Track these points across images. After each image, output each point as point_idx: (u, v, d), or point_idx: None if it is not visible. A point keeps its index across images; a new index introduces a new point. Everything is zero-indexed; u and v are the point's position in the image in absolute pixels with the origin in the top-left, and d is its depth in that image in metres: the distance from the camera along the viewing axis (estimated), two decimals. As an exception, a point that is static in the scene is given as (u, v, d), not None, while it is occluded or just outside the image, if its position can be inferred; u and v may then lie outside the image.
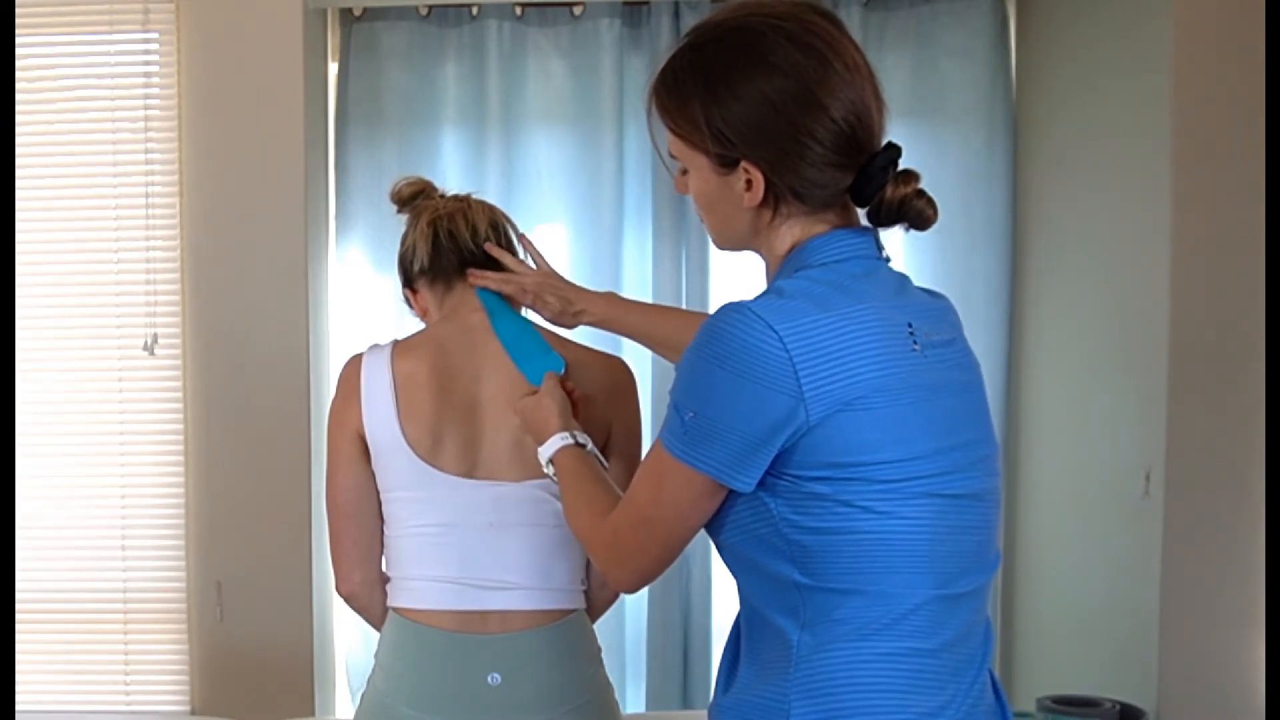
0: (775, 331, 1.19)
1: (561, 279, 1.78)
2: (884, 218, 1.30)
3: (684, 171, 1.35)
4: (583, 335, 1.83)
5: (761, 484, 1.23)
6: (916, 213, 1.29)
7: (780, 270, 1.31)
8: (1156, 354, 2.56)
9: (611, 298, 1.82)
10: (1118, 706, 2.59)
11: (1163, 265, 2.55)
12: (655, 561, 1.35)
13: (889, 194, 1.28)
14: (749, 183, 1.28)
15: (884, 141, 1.30)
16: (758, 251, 1.36)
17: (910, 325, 1.26)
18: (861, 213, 1.33)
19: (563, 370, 1.67)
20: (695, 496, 1.26)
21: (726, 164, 1.28)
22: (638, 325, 1.77)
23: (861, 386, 1.20)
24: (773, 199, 1.29)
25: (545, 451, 1.55)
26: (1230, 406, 2.53)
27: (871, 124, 1.28)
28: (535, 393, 1.62)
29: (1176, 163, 2.52)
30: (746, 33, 1.27)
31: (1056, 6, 3.00)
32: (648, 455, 1.32)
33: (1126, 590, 2.69)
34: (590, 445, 1.55)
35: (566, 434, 1.54)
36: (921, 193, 1.29)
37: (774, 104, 1.25)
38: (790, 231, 1.31)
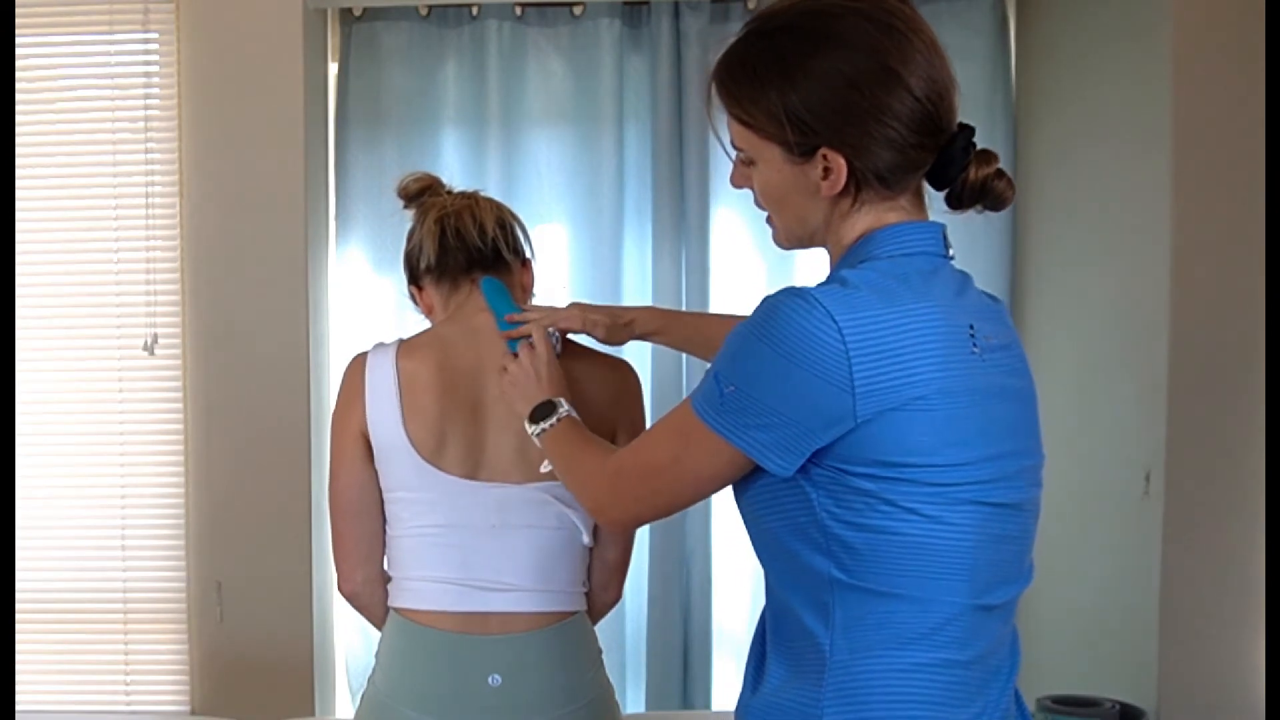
0: (835, 322, 1.16)
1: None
2: (965, 200, 1.27)
3: (748, 163, 1.31)
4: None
5: (803, 472, 1.21)
6: (997, 194, 1.27)
7: (844, 259, 1.28)
8: (1156, 354, 2.56)
9: (653, 309, 1.82)
10: (1118, 706, 2.58)
11: (1163, 265, 2.54)
12: (655, 511, 1.35)
13: (971, 175, 1.26)
14: (826, 170, 1.24)
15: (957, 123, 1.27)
16: (823, 244, 1.33)
17: (971, 327, 1.23)
18: (936, 195, 1.30)
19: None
20: (721, 466, 1.25)
21: (803, 152, 1.25)
22: (686, 332, 1.75)
23: (921, 387, 1.17)
24: (854, 186, 1.25)
25: (539, 424, 1.55)
26: (1230, 406, 2.53)
27: (952, 103, 1.26)
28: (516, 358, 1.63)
29: (1177, 162, 2.52)
30: (820, 15, 1.24)
31: (1056, 6, 2.99)
32: (672, 412, 1.30)
33: (1126, 590, 2.69)
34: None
35: (561, 404, 1.55)
36: (1001, 173, 1.27)
37: (855, 83, 1.21)
38: (863, 219, 1.27)
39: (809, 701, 1.24)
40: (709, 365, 1.27)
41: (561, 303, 1.78)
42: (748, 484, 1.28)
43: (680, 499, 1.32)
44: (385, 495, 1.69)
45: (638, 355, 2.23)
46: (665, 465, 1.29)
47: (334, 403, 1.73)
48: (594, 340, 1.75)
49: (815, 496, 1.22)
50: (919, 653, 1.22)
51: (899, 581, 1.21)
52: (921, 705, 1.22)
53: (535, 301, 1.82)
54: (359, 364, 1.69)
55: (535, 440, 1.56)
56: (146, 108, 2.94)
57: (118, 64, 2.96)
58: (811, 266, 2.79)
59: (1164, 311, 2.54)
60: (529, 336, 1.66)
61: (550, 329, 1.68)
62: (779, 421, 1.19)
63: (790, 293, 1.20)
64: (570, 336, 1.74)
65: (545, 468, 1.61)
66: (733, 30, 1.32)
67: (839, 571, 1.22)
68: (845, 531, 1.21)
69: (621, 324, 1.74)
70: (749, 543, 1.34)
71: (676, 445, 1.28)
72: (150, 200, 2.94)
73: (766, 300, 1.22)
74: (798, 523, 1.24)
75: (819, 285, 1.22)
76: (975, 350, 1.22)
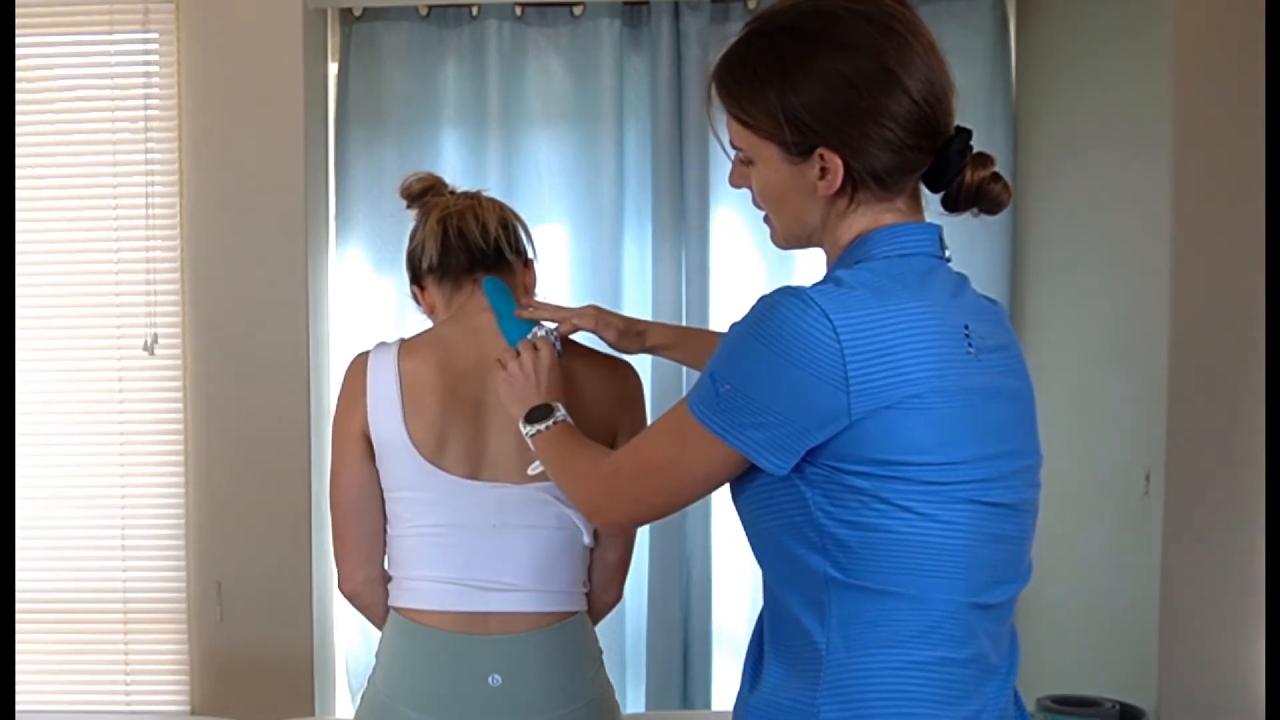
0: (830, 321, 1.17)
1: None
2: (961, 203, 1.28)
3: (746, 163, 1.32)
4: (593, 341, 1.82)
5: (799, 471, 1.21)
6: (993, 197, 1.27)
7: (840, 260, 1.29)
8: (1156, 354, 2.56)
9: (666, 324, 1.83)
10: (1118, 706, 2.59)
11: (1163, 265, 2.55)
12: (652, 512, 1.36)
13: (968, 178, 1.26)
14: (823, 170, 1.25)
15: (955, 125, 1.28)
16: (820, 244, 1.33)
17: (967, 327, 1.24)
18: (933, 197, 1.31)
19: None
20: (716, 465, 1.25)
21: (801, 152, 1.25)
22: (699, 349, 1.74)
23: (915, 385, 1.18)
24: (850, 186, 1.26)
25: (535, 425, 1.55)
26: (1230, 406, 2.53)
27: (949, 106, 1.26)
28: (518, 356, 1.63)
29: (1177, 163, 2.52)
30: (821, 15, 1.24)
31: (1056, 6, 3.00)
32: (668, 413, 1.30)
33: (1126, 590, 2.69)
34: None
35: (558, 408, 1.55)
36: (997, 176, 1.27)
37: (854, 84, 1.22)
38: (860, 220, 1.28)
39: (806, 700, 1.24)
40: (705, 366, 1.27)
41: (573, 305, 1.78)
42: (744, 484, 1.28)
43: (677, 499, 1.33)
44: (386, 495, 1.69)
45: (638, 357, 2.23)
46: (662, 466, 1.30)
47: (334, 403, 1.73)
48: (602, 343, 1.75)
49: (810, 495, 1.22)
50: (915, 651, 1.22)
51: (895, 580, 1.21)
52: (918, 703, 1.22)
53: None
54: (360, 363, 1.69)
55: (529, 441, 1.56)
56: (146, 108, 2.94)
57: (118, 64, 2.96)
58: (812, 266, 2.79)
59: (1164, 312, 2.54)
60: (531, 333, 1.66)
61: (551, 328, 1.68)
62: (774, 420, 1.19)
63: (785, 292, 1.21)
64: (575, 336, 1.74)
65: (533, 469, 1.61)
66: (733, 30, 1.33)
67: (835, 570, 1.22)
68: (840, 530, 1.21)
69: (634, 332, 1.75)
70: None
71: (673, 445, 1.28)
72: (150, 200, 2.94)
73: (762, 299, 1.22)
74: (794, 522, 1.24)
75: (814, 285, 1.23)
76: (970, 350, 1.23)
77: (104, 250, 2.96)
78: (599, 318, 1.73)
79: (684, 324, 3.00)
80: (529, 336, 1.66)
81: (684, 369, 3.02)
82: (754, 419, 1.20)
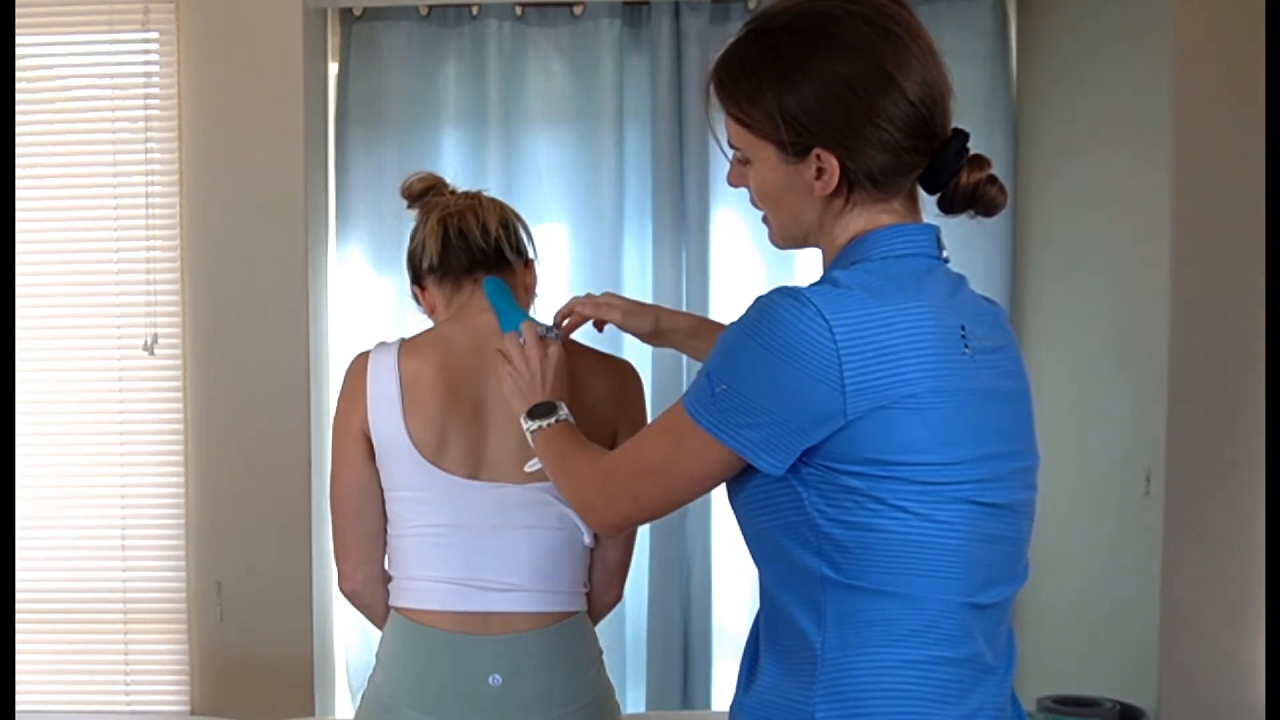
0: (826, 320, 1.17)
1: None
2: (957, 204, 1.28)
3: (744, 162, 1.32)
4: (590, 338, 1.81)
5: (794, 470, 1.22)
6: (989, 199, 1.27)
7: (836, 260, 1.29)
8: (1156, 354, 2.56)
9: (678, 310, 1.80)
10: (1118, 706, 2.59)
11: (1163, 265, 2.55)
12: (647, 512, 1.36)
13: (963, 180, 1.26)
14: (820, 170, 1.25)
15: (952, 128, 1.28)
16: (817, 244, 1.33)
17: (963, 328, 1.24)
18: (930, 199, 1.31)
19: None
20: (712, 464, 1.25)
21: (797, 152, 1.26)
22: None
23: (911, 385, 1.18)
24: (846, 187, 1.26)
25: (537, 421, 1.53)
26: (1230, 406, 2.53)
27: (946, 108, 1.26)
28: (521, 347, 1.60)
29: (1177, 163, 2.52)
30: (820, 16, 1.25)
31: (1056, 6, 3.00)
32: (664, 413, 1.30)
33: (1126, 590, 2.69)
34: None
35: (561, 407, 1.54)
36: (994, 178, 1.28)
37: (851, 85, 1.22)
38: (856, 220, 1.28)
39: (801, 699, 1.24)
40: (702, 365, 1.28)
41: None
42: (741, 484, 1.29)
43: (672, 499, 1.33)
44: (386, 494, 1.69)
45: (638, 356, 2.23)
46: (658, 466, 1.30)
47: (334, 403, 1.73)
48: (603, 343, 1.74)
49: (806, 495, 1.22)
50: (910, 650, 1.22)
51: (890, 579, 1.21)
52: (913, 701, 1.22)
53: (537, 303, 1.82)
54: (361, 363, 1.69)
55: (529, 438, 1.56)
56: (146, 108, 2.94)
57: (118, 64, 2.96)
58: (812, 267, 2.79)
59: (1164, 312, 2.54)
60: (531, 325, 1.65)
61: (553, 328, 1.68)
62: (770, 420, 1.19)
63: (782, 292, 1.21)
64: (577, 336, 1.74)
65: (530, 466, 1.61)
66: (733, 30, 1.33)
67: (830, 570, 1.22)
68: (835, 530, 1.21)
69: (644, 311, 1.69)
70: (746, 543, 1.34)
71: (669, 445, 1.28)
72: (150, 200, 2.94)
73: (759, 300, 1.23)
74: (790, 522, 1.24)
75: (811, 285, 1.23)
76: (966, 351, 1.23)
77: (104, 250, 2.96)
78: (601, 302, 1.69)
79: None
80: (532, 322, 1.65)
81: (684, 367, 3.03)
82: (750, 419, 1.20)
